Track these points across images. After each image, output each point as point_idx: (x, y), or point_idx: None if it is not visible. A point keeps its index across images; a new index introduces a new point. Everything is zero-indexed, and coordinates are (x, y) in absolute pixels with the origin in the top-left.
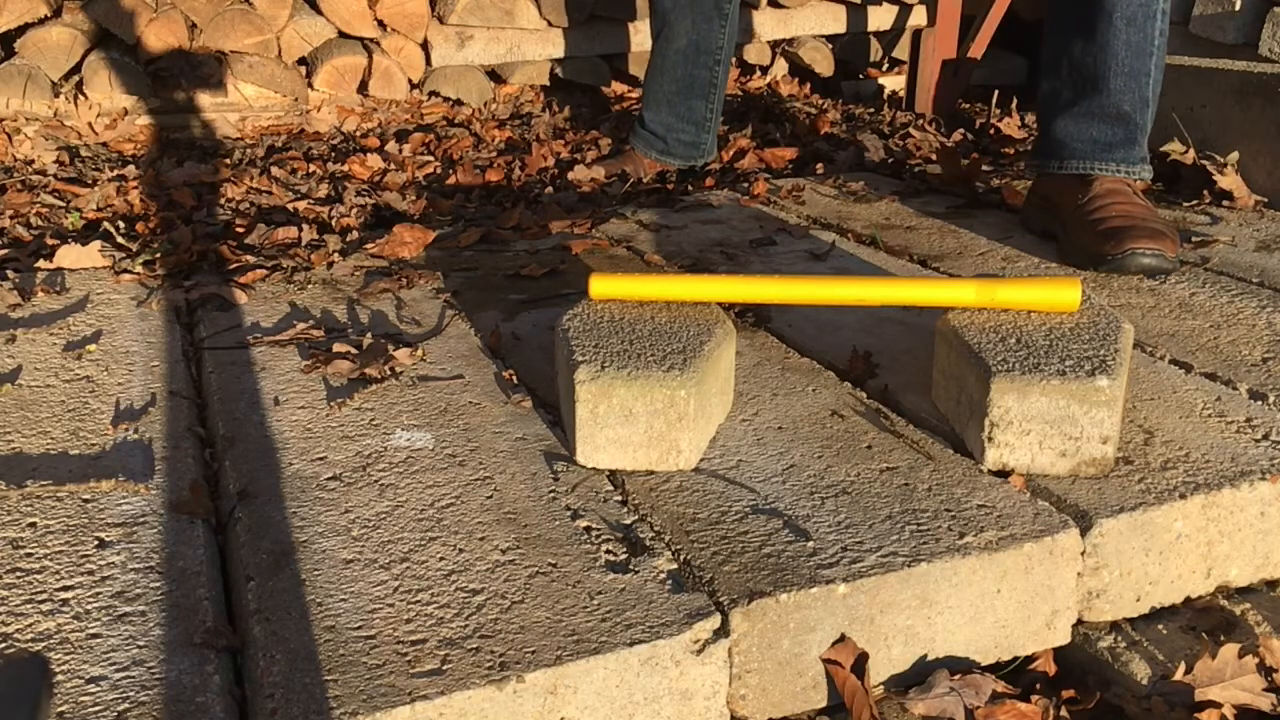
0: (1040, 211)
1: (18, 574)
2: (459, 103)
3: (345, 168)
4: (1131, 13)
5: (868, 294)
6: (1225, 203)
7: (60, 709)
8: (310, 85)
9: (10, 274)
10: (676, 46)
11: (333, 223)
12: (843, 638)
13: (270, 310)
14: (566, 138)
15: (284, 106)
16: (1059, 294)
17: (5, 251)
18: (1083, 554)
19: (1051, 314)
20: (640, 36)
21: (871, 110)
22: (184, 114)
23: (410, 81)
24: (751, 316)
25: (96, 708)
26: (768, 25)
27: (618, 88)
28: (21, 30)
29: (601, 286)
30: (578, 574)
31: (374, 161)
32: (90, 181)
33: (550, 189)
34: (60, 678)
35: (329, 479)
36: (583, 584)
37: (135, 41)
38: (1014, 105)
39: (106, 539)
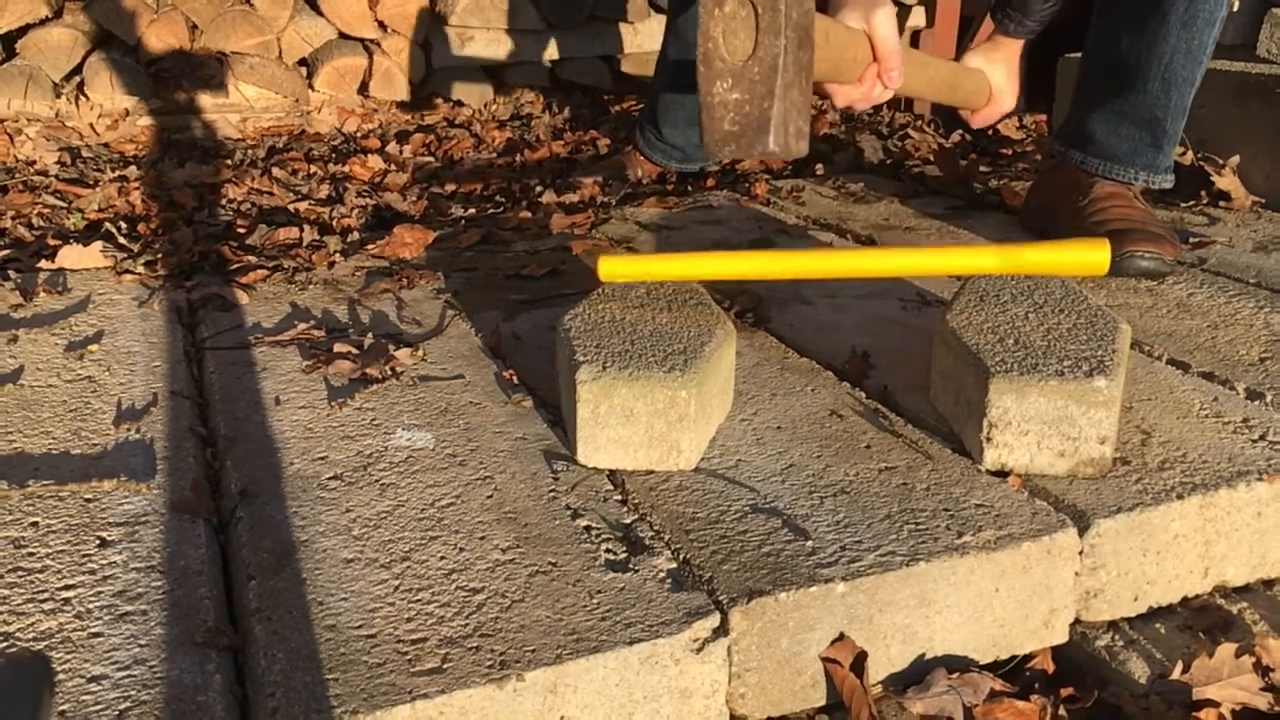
0: (1039, 212)
1: (20, 573)
2: (459, 103)
3: (346, 168)
4: (1189, 15)
5: (883, 264)
6: (1223, 203)
7: (62, 708)
8: (311, 86)
9: (12, 274)
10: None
11: (334, 223)
12: (841, 636)
13: (271, 310)
14: (566, 138)
15: (285, 107)
16: (1088, 255)
17: (7, 252)
18: (1080, 554)
19: (1051, 314)
20: (639, 37)
21: (870, 111)
22: (185, 115)
23: (411, 82)
24: (751, 316)
25: (98, 707)
26: None
27: (617, 88)
28: (23, 31)
29: (610, 268)
30: (578, 573)
31: (374, 162)
32: (92, 182)
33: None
34: (62, 677)
35: (330, 478)
36: (583, 583)
37: (136, 42)
38: None
39: (108, 538)
